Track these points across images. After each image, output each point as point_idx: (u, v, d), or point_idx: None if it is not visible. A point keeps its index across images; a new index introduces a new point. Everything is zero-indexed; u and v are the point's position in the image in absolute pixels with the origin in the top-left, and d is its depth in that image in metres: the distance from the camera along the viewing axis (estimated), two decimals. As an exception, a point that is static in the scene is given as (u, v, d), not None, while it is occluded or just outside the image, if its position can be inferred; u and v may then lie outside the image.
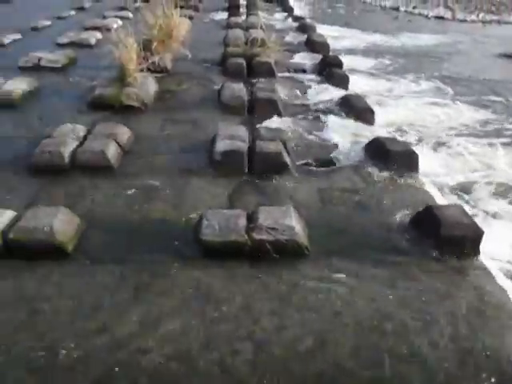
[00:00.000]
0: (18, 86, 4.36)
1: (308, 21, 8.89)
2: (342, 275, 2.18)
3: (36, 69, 5.16)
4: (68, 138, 3.22)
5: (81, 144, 3.20)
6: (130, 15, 8.40)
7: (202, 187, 2.94)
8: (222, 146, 3.15)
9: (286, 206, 2.52)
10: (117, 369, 1.67)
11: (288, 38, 7.36)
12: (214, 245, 2.24)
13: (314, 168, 3.26)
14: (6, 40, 6.41)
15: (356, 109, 4.22)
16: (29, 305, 1.97)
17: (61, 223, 2.29)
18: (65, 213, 2.37)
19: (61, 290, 2.07)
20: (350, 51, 7.47)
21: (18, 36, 6.71)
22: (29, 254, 2.23)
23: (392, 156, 3.24)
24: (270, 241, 2.23)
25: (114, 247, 2.37)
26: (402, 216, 2.68)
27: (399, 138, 3.85)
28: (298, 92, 4.87)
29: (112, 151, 3.11)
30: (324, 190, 2.95)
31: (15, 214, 2.41)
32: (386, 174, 3.17)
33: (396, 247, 2.43)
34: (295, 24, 8.79)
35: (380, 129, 4.07)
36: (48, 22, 7.78)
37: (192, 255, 2.29)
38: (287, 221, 2.29)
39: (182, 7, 6.19)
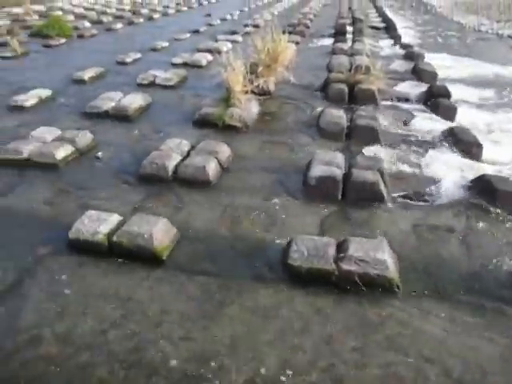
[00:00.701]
0: (135, 101, 4.77)
1: (416, 49, 8.64)
2: (433, 318, 2.05)
3: (151, 86, 5.62)
4: (173, 152, 3.45)
5: (184, 158, 3.41)
6: (240, 39, 8.82)
7: (294, 211, 2.95)
8: (317, 171, 3.15)
9: (378, 238, 2.44)
10: (193, 380, 1.72)
11: (393, 66, 7.21)
12: (300, 270, 2.24)
13: (412, 202, 3.13)
14: (128, 59, 7.07)
15: (462, 142, 3.99)
16: (123, 305, 2.12)
17: (159, 232, 2.44)
18: (164, 223, 2.52)
19: (152, 295, 2.19)
20: (460, 81, 7.09)
21: (138, 56, 7.37)
22: (129, 256, 2.41)
23: (500, 196, 3.01)
24: (358, 273, 2.17)
25: (203, 260, 2.47)
26: (505, 262, 2.46)
27: (509, 177, 3.56)
28: (401, 121, 4.73)
29: (212, 168, 3.26)
30: (420, 226, 2.81)
31: (121, 218, 2.62)
32: (491, 215, 2.94)
33: (497, 295, 2.23)
34: (402, 51, 8.59)
35: (488, 166, 3.80)
36: (166, 44, 8.45)
37: (278, 278, 2.31)
38: (379, 254, 2.22)
39: (290, 33, 6.35)
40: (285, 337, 1.94)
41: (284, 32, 5.66)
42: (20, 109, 4.82)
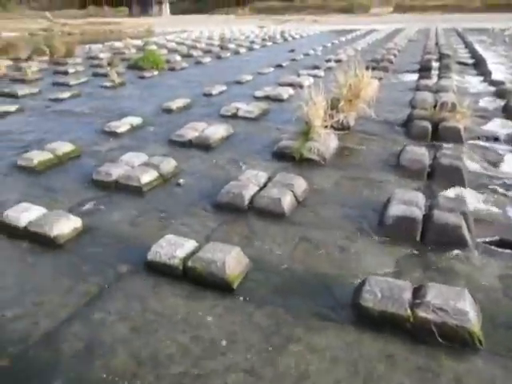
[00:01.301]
0: (217, 131, 4.98)
1: (508, 85, 8.19)
2: (521, 382, 1.86)
3: (234, 117, 5.83)
4: (251, 182, 3.53)
5: (261, 189, 3.47)
6: (322, 74, 8.92)
7: (368, 250, 2.87)
8: (395, 210, 3.05)
9: (459, 286, 2.29)
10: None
11: (482, 104, 6.88)
12: (372, 312, 2.15)
13: (498, 249, 2.91)
14: (214, 91, 7.42)
15: (559, 189, 3.67)
16: (192, 330, 2.16)
17: (232, 261, 2.49)
18: (237, 252, 2.57)
19: (221, 323, 2.22)
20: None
21: (223, 88, 7.72)
22: (201, 282, 2.47)
23: None
24: (436, 322, 2.04)
25: (273, 292, 2.46)
26: None
27: None
28: (488, 162, 4.47)
29: (287, 200, 3.29)
30: (508, 277, 2.59)
31: (196, 244, 2.71)
32: None
33: None
34: (492, 88, 8.18)
35: None
36: (250, 77, 8.78)
37: (347, 318, 2.23)
38: (460, 303, 2.07)
39: (373, 68, 6.32)
40: (350, 381, 1.86)
41: (367, 67, 5.65)
42: (113, 134, 5.22)
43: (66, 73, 9.72)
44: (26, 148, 4.71)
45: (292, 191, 3.42)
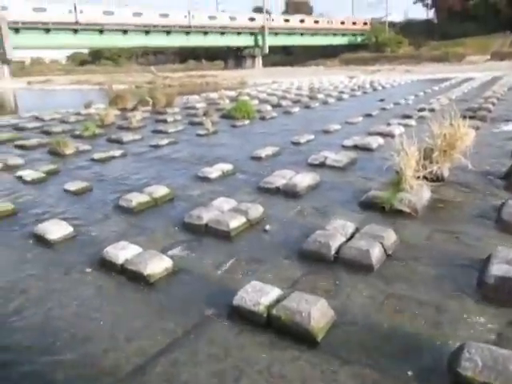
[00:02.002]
0: (304, 179, 5.02)
1: None
2: None
3: (321, 166, 5.85)
4: (338, 232, 3.48)
5: (348, 240, 3.39)
6: (414, 123, 8.72)
7: (465, 311, 2.64)
8: (497, 269, 2.80)
9: None
10: None
11: None
12: (472, 383, 1.95)
13: None
14: (302, 140, 7.55)
15: None
16: (274, 381, 2.11)
17: (317, 312, 2.43)
18: (322, 303, 2.51)
19: (303, 377, 2.14)
20: None
21: (311, 137, 7.83)
22: (285, 331, 2.43)
23: None
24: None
25: (359, 349, 2.34)
26: None
27: None
28: None
29: (376, 253, 3.17)
30: None
31: (281, 292, 2.69)
32: None
33: None
34: None
35: None
36: (338, 127, 8.83)
37: (443, 386, 2.05)
38: None
39: (470, 117, 6.06)
40: None
41: (463, 116, 5.43)
42: (205, 180, 5.48)
43: (165, 121, 10.50)
44: (127, 190, 5.09)
45: (381, 243, 3.30)
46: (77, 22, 45.12)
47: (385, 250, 3.31)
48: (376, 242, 3.28)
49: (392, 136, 7.06)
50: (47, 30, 43.96)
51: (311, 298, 2.53)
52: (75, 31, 45.67)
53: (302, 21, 63.74)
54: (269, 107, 12.37)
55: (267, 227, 3.96)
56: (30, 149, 7.80)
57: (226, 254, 3.51)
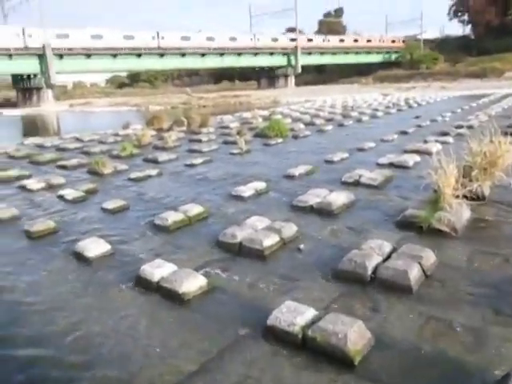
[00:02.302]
0: (339, 198, 4.97)
1: None
2: None
3: (356, 184, 5.78)
4: (374, 252, 3.41)
5: (385, 260, 3.32)
6: (451, 140, 8.53)
7: (509, 336, 2.52)
8: (544, 293, 2.67)
9: None
10: None
11: None
12: (521, 414, 1.84)
13: None
14: (336, 158, 7.50)
15: None
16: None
17: (354, 334, 2.37)
18: (359, 325, 2.45)
19: (340, 402, 2.08)
20: None
21: (345, 155, 7.77)
22: (320, 353, 2.38)
23: None
24: None
25: (398, 373, 2.27)
26: None
27: None
28: None
29: (414, 273, 3.08)
30: None
31: (316, 313, 2.65)
32: None
33: None
34: None
35: None
36: (372, 144, 8.74)
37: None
38: None
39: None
40: None
41: (505, 133, 5.26)
42: (239, 198, 5.50)
43: (199, 141, 10.68)
44: (163, 208, 5.17)
45: (419, 264, 3.21)
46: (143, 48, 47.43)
47: (423, 271, 3.21)
48: (414, 262, 3.20)
49: (429, 154, 6.91)
50: (88, 56, 45.90)
51: (348, 320, 2.47)
52: (114, 56, 47.48)
53: (334, 40, 64.16)
54: (302, 125, 12.39)
55: (301, 246, 3.93)
56: (70, 169, 8.08)
57: (259, 272, 3.50)
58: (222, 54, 55.34)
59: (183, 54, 52.17)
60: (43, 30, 41.99)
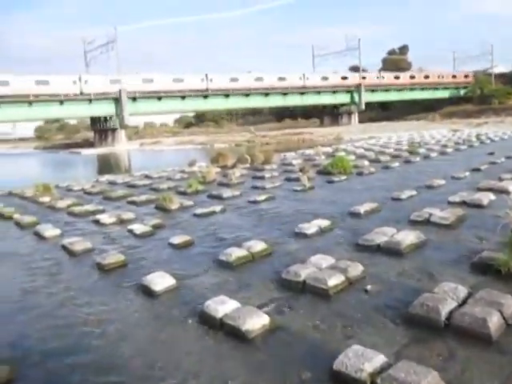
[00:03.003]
0: (407, 237, 4.76)
1: None
2: None
3: (425, 223, 5.52)
4: (448, 296, 3.19)
5: (460, 305, 3.09)
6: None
7: None
8: None
9: None
10: None
11: None
12: None
13: None
14: (403, 195, 7.25)
15: None
16: None
17: (429, 386, 2.19)
18: (434, 376, 2.28)
19: None
20: None
21: (413, 193, 7.49)
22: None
23: None
24: None
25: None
26: None
27: None
28: None
29: (494, 322, 2.84)
30: None
31: (385, 359, 2.50)
32: None
33: None
34: None
35: None
36: (442, 182, 8.37)
37: None
38: None
39: None
40: None
41: None
42: (303, 235, 5.44)
43: (263, 178, 10.81)
44: (226, 244, 5.22)
45: (500, 311, 2.95)
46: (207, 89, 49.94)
47: (504, 319, 2.95)
48: (494, 309, 2.95)
49: (505, 192, 6.49)
50: (159, 98, 48.74)
51: (421, 369, 2.31)
52: (183, 98, 50.04)
53: (397, 77, 63.53)
54: (366, 162, 12.19)
55: (368, 287, 3.77)
56: (140, 204, 8.44)
57: (324, 313, 3.39)
58: (284, 94, 56.51)
59: (247, 95, 53.88)
60: (119, 76, 45.47)
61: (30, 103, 42.02)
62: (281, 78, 55.54)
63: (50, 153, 53.09)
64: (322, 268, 4.07)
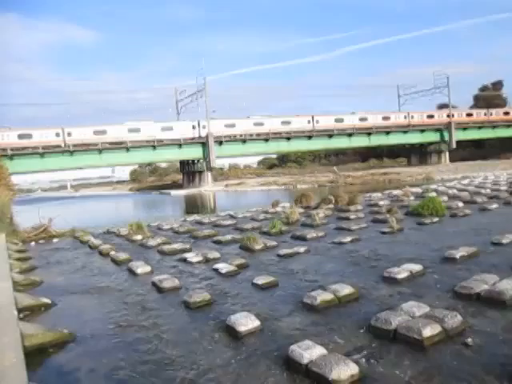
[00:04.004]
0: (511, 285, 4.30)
1: None
2: None
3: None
4: None
5: None
6: None
7: None
8: None
9: None
10: None
11: None
12: None
13: None
14: (505, 240, 6.63)
15: None
16: None
17: None
18: None
19: None
20: None
21: (516, 236, 6.83)
22: None
23: None
24: None
25: None
26: None
27: None
28: None
29: None
30: None
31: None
32: None
33: None
34: None
35: None
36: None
37: None
38: None
39: None
40: None
41: None
42: (392, 280, 5.14)
43: (347, 219, 10.55)
44: (311, 286, 5.09)
45: None
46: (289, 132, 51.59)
47: None
48: None
49: None
50: (243, 141, 50.46)
51: None
52: (266, 140, 51.34)
53: (493, 114, 60.00)
54: (460, 204, 11.42)
55: (468, 340, 3.42)
56: (225, 244, 8.61)
57: (418, 366, 3.12)
58: (369, 134, 55.76)
59: (330, 136, 53.95)
60: (207, 122, 48.14)
61: (128, 149, 45.71)
62: (385, 118, 55.62)
63: (142, 194, 56.72)
64: (416, 316, 3.79)
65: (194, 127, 48.17)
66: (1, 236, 10.27)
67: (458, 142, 58.25)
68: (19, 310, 4.71)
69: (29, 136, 40.77)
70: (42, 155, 41.46)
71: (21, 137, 40.49)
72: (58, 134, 41.99)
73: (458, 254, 5.90)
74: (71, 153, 42.87)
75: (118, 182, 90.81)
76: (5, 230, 11.43)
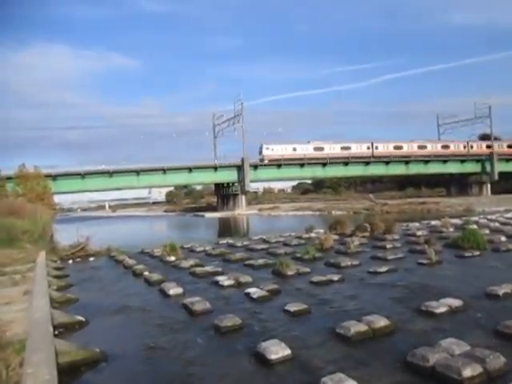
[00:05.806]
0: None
1: None
2: None
3: None
4: None
5: None
6: None
7: None
8: None
9: None
10: None
11: None
12: None
13: None
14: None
15: None
16: None
17: None
18: None
19: None
20: None
21: None
22: None
23: None
24: None
25: None
26: None
27: None
28: None
29: None
30: None
31: None
32: None
33: None
34: None
35: None
36: None
37: None
38: None
39: None
40: None
41: None
42: (430, 315, 4.94)
43: (383, 248, 10.29)
44: (344, 316, 4.94)
45: None
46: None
47: None
48: None
49: None
50: (278, 166, 50.63)
51: None
52: (301, 166, 51.35)
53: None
54: (503, 238, 10.94)
55: (513, 384, 3.22)
56: (257, 268, 8.54)
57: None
58: (407, 163, 54.86)
59: (367, 163, 53.42)
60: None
61: (165, 171, 46.71)
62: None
63: (177, 215, 57.48)
64: (455, 354, 3.61)
65: (368, 148, 51.70)
66: (41, 253, 10.60)
67: (501, 174, 56.41)
68: (54, 327, 4.79)
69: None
70: (82, 176, 42.98)
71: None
72: None
73: (501, 290, 5.62)
74: (110, 174, 44.25)
75: (154, 203, 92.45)
76: (45, 248, 11.81)
